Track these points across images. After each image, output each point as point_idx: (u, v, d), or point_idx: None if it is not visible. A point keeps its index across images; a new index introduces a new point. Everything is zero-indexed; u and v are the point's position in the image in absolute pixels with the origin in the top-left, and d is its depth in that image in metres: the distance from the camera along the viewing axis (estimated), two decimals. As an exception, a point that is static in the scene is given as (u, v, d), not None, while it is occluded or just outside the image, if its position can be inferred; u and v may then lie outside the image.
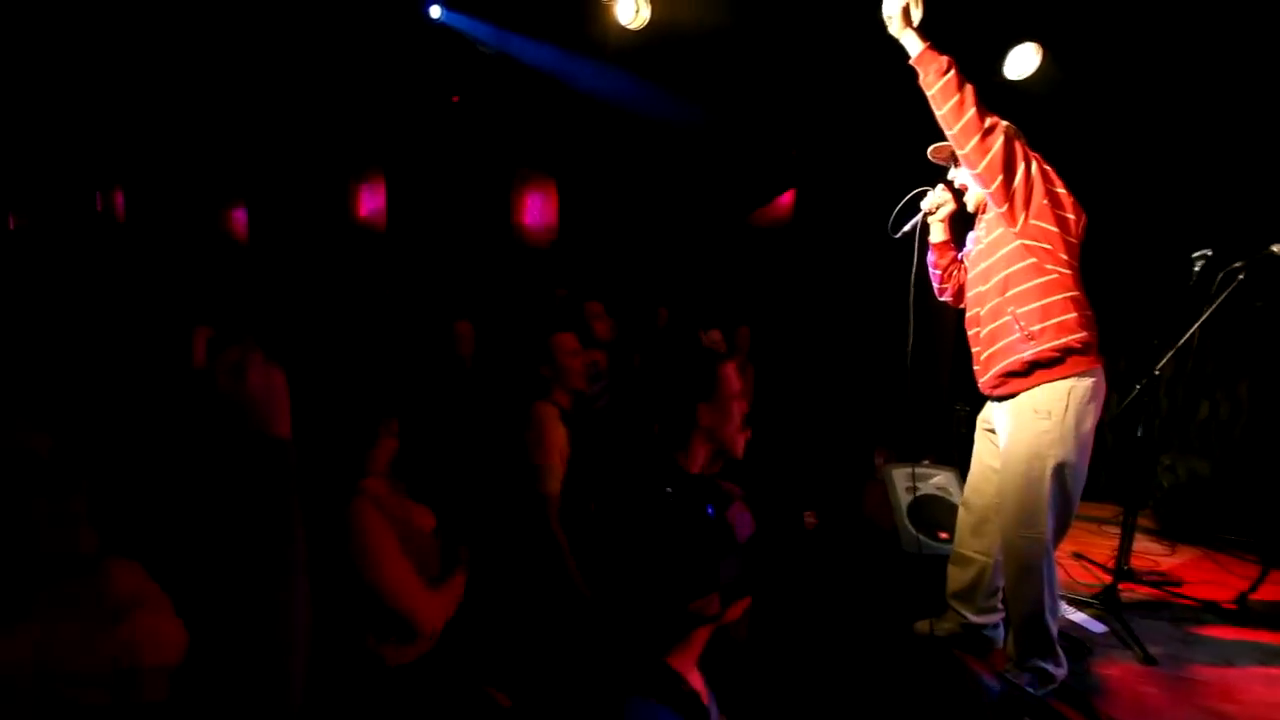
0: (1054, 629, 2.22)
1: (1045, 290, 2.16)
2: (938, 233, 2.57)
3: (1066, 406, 2.14)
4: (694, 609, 1.08)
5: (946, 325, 3.38)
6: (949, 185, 2.49)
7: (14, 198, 9.19)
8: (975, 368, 2.40)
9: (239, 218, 8.96)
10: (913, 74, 2.14)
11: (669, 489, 1.22)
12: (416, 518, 1.74)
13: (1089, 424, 2.17)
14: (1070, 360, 2.14)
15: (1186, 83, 3.80)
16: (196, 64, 6.25)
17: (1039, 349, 2.14)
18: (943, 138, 2.22)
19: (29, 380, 1.80)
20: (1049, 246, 2.16)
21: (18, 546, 0.79)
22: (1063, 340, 2.12)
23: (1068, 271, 2.16)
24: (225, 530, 0.81)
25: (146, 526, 1.14)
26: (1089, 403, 2.15)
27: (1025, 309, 2.17)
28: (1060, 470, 2.15)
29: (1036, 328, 2.15)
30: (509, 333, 3.71)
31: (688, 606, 1.08)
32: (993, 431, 2.42)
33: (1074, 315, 2.14)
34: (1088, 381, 2.15)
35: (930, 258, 2.61)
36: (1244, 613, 2.86)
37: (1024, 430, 2.20)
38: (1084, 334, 2.14)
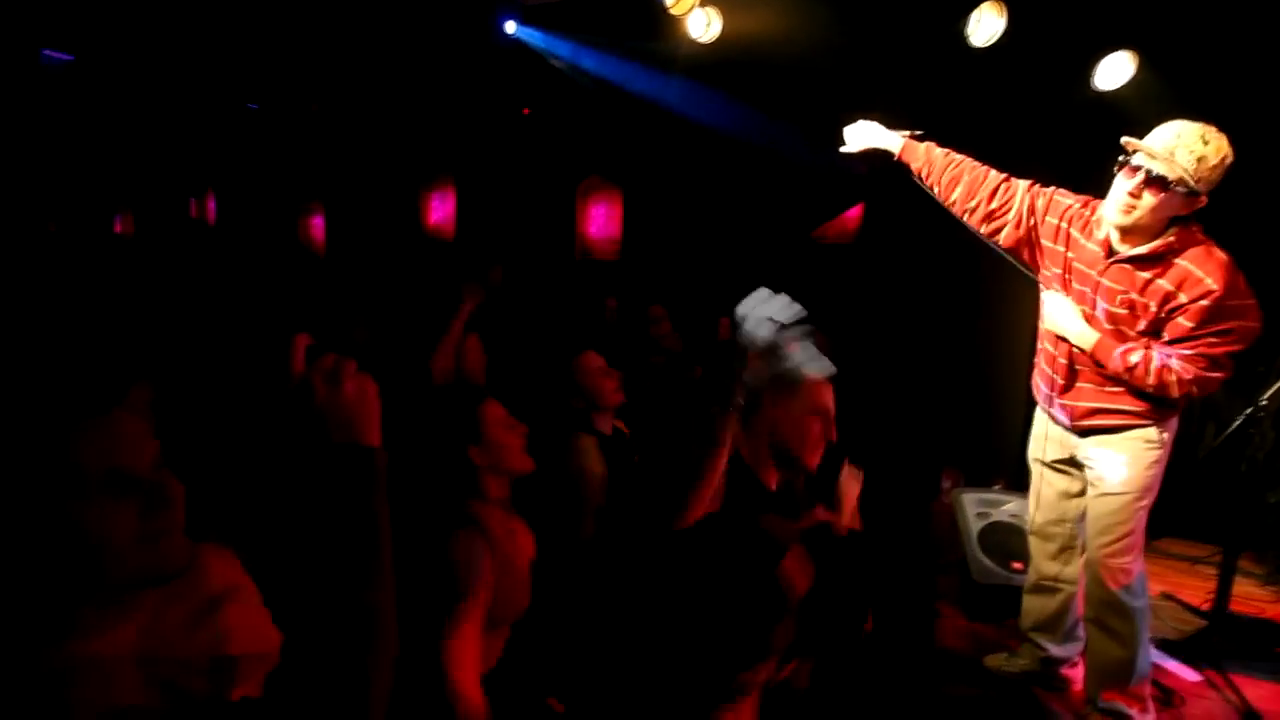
0: (1142, 671, 2.08)
1: None
2: None
3: (1163, 441, 2.11)
4: (743, 680, 1.00)
5: (1021, 344, 3.24)
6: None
7: (120, 203, 9.89)
8: (1052, 390, 2.19)
9: (317, 224, 9.41)
10: (998, 88, 2.07)
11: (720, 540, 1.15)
12: (519, 548, 1.69)
13: None
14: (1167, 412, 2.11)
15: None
16: (281, 77, 6.61)
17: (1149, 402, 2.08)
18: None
19: (132, 379, 1.91)
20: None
21: (110, 563, 0.83)
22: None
23: None
24: (315, 534, 0.84)
25: (241, 527, 1.19)
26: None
27: None
28: (1149, 506, 2.11)
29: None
30: (532, 352, 3.52)
31: (736, 677, 1.00)
32: (1065, 465, 2.31)
33: None
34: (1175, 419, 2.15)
35: None
36: (1360, 670, 2.61)
37: (1137, 464, 2.09)
38: None
